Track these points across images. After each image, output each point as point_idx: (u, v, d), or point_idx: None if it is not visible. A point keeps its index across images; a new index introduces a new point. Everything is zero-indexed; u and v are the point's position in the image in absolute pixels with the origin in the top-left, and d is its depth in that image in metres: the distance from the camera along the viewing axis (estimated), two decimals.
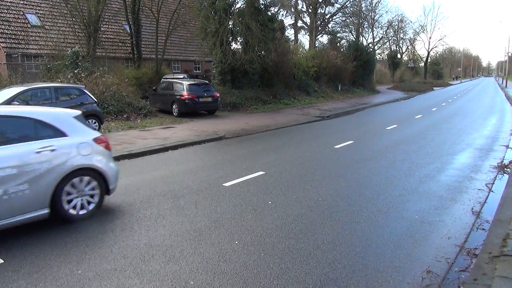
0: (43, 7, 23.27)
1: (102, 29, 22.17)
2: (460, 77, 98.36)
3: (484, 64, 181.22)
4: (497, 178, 7.39)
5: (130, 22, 22.97)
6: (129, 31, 24.07)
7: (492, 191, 6.57)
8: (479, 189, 6.64)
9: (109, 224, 5.07)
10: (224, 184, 6.84)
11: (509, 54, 71.19)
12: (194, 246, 4.40)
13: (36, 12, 23.15)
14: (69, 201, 5.02)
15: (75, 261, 4.07)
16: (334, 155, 9.55)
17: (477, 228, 5.04)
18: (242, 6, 21.31)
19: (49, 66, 17.32)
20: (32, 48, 21.41)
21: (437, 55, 79.45)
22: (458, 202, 6.00)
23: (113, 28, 25.72)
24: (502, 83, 59.26)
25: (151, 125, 14.27)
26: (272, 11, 24.73)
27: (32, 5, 23.36)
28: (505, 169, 7.96)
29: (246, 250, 4.32)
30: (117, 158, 8.94)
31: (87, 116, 11.61)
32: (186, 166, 8.43)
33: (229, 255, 4.19)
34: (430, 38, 65.26)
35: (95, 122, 11.90)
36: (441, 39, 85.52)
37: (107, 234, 4.74)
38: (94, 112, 11.91)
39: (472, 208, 5.70)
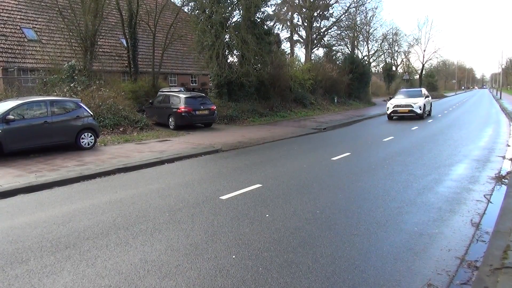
0: (40, 21, 23.37)
1: (98, 43, 22.25)
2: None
3: (478, 76, 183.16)
4: (495, 189, 7.35)
5: (127, 36, 23.12)
6: (125, 45, 24.20)
7: (490, 202, 6.53)
8: (477, 200, 6.59)
9: (103, 239, 4.98)
10: (221, 197, 6.77)
11: (503, 66, 72.08)
12: (190, 261, 4.32)
13: (33, 27, 23.26)
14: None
15: (69, 278, 3.98)
16: (331, 167, 9.52)
17: (477, 240, 4.98)
18: (238, 20, 21.50)
19: (45, 80, 17.31)
20: (28, 62, 21.43)
21: (432, 67, 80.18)
22: (457, 213, 5.95)
23: (110, 42, 25.85)
24: (497, 94, 59.82)
25: (147, 138, 14.21)
26: (268, 25, 24.91)
27: (29, 20, 23.48)
28: (503, 180, 7.93)
29: (244, 264, 4.23)
30: (112, 172, 8.90)
31: (83, 130, 11.63)
32: (182, 179, 8.36)
33: (227, 270, 4.10)
34: (424, 50, 66.23)
35: (91, 136, 11.84)
36: (435, 51, 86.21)
37: (101, 250, 4.64)
38: (90, 126, 11.87)
39: (471, 220, 5.65)
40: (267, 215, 5.82)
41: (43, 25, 22.97)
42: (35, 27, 23.32)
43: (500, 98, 50.23)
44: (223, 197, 6.77)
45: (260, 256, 4.43)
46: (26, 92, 16.46)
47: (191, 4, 22.92)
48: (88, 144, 11.77)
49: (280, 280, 3.90)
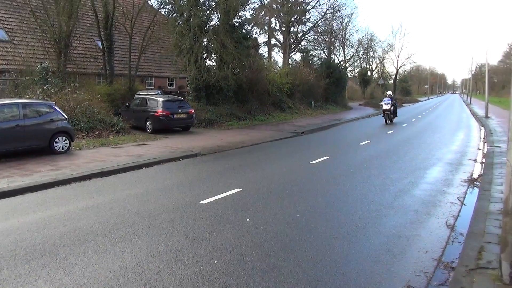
0: (11, 21, 22.63)
1: (73, 44, 21.73)
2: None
3: (449, 81, 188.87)
4: (468, 191, 7.60)
5: (103, 38, 22.68)
6: (101, 47, 23.74)
7: (464, 204, 6.75)
8: (452, 203, 6.79)
9: (80, 246, 4.84)
10: (201, 202, 6.72)
11: (472, 73, 74.63)
12: (171, 267, 4.25)
13: (3, 27, 22.48)
14: None
15: (45, 287, 3.85)
16: (310, 170, 9.60)
17: (453, 241, 5.13)
18: (216, 23, 21.47)
19: (17, 82, 16.77)
20: None
21: (405, 72, 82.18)
22: (433, 216, 6.11)
23: (85, 44, 25.29)
24: (467, 99, 61.85)
25: (124, 142, 13.95)
26: (247, 29, 24.99)
27: None
28: (475, 182, 8.21)
29: (226, 269, 4.21)
30: (88, 177, 8.70)
31: (57, 133, 11.31)
32: (161, 183, 8.24)
33: (208, 276, 4.07)
34: (398, 56, 67.31)
35: (65, 140, 11.53)
36: (408, 57, 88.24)
37: (79, 257, 4.52)
38: (64, 129, 11.55)
39: (447, 222, 5.82)
40: (248, 220, 5.81)
41: (15, 25, 22.27)
42: (6, 27, 22.54)
43: (470, 103, 52.01)
44: (203, 202, 6.72)
45: (242, 261, 4.42)
46: None
47: (169, 6, 22.75)
48: (63, 148, 11.45)
49: (262, 284, 3.90)
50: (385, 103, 23.10)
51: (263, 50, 40.87)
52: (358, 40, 55.48)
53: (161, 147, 12.89)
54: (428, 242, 5.06)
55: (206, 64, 21.58)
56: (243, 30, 22.94)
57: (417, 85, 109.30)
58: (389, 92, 24.59)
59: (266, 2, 37.10)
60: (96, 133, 14.76)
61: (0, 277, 4.03)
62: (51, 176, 8.51)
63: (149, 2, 27.59)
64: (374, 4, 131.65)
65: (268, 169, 9.77)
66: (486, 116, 26.28)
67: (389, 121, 23.17)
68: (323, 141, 16.17)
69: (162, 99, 16.93)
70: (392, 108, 23.15)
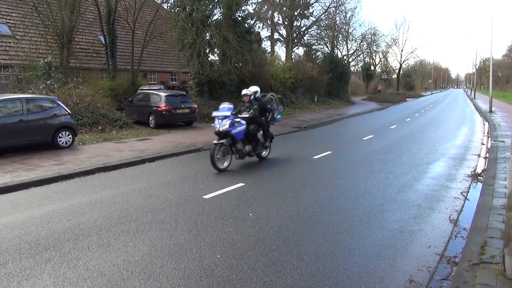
0: (13, 16, 22.66)
1: (76, 39, 21.74)
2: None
3: (453, 76, 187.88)
4: (471, 186, 7.58)
5: (105, 33, 22.66)
6: (103, 42, 23.73)
7: (467, 199, 6.73)
8: (455, 198, 6.78)
9: (84, 240, 4.87)
10: (204, 197, 6.73)
11: (476, 67, 74.20)
12: (175, 262, 4.28)
13: (6, 22, 22.51)
14: None
15: (49, 280, 3.88)
16: (313, 165, 9.59)
17: (455, 236, 5.12)
18: (219, 18, 21.39)
19: (20, 77, 16.81)
20: (1, 59, 20.74)
21: (409, 67, 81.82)
22: (436, 210, 6.10)
23: (87, 39, 25.29)
24: (471, 94, 61.56)
25: (127, 137, 13.98)
26: (249, 23, 24.89)
27: (2, 15, 22.71)
28: (479, 177, 8.18)
29: (229, 264, 4.22)
30: (91, 171, 8.73)
31: (60, 128, 11.34)
32: (164, 178, 8.27)
33: (211, 270, 4.08)
34: (402, 50, 66.94)
35: (68, 134, 11.56)
36: (412, 51, 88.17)
37: (83, 251, 4.55)
38: (67, 124, 11.58)
39: (450, 217, 5.80)
40: (251, 214, 5.82)
41: (17, 20, 22.29)
42: (9, 22, 22.58)
43: (474, 97, 51.74)
44: (206, 196, 6.74)
45: (244, 255, 4.43)
46: (0, 89, 15.97)
47: (171, 1, 22.72)
48: (66, 143, 11.49)
49: (265, 278, 3.91)
50: (218, 118, 9.26)
51: (266, 44, 40.74)
52: (362, 34, 55.30)
53: (164, 142, 12.92)
54: (431, 237, 5.05)
55: (209, 59, 21.53)
56: (246, 25, 22.83)
57: (420, 79, 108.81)
58: (248, 90, 10.62)
59: None
60: (99, 128, 14.79)
61: (5, 271, 4.06)
62: (55, 170, 8.55)
63: None
64: None
65: (270, 163, 9.77)
66: (490, 111, 26.14)
67: (228, 163, 8.95)
68: (326, 136, 16.14)
69: (165, 94, 16.94)
70: (241, 129, 9.32)
